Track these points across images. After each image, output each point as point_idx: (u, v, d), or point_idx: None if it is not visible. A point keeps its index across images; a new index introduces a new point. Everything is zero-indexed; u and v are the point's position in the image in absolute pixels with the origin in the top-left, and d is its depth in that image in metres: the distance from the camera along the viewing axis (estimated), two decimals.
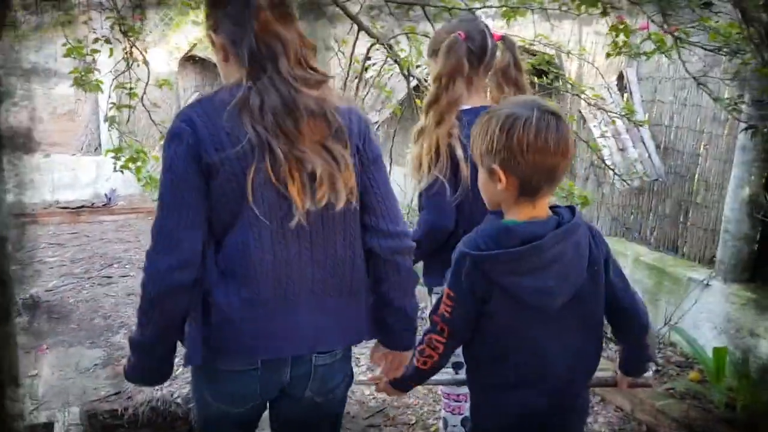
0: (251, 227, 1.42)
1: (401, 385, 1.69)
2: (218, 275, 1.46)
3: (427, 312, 2.14)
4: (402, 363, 1.65)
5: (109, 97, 3.46)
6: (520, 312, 1.42)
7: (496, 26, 3.59)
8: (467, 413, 2.18)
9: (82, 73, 3.36)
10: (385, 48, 3.36)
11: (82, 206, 7.03)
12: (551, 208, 1.46)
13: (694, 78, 2.59)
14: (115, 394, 3.36)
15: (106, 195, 7.20)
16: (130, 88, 3.41)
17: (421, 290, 1.90)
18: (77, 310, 4.58)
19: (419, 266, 2.10)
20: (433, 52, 2.14)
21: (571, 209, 1.46)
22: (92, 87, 3.48)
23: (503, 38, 2.15)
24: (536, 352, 1.46)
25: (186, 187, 1.40)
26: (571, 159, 1.44)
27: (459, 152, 1.99)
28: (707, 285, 3.44)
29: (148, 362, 1.59)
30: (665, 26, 2.64)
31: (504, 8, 3.22)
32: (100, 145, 7.82)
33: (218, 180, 1.40)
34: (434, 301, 1.71)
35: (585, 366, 1.55)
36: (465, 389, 2.15)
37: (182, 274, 1.40)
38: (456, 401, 2.34)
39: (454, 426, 2.37)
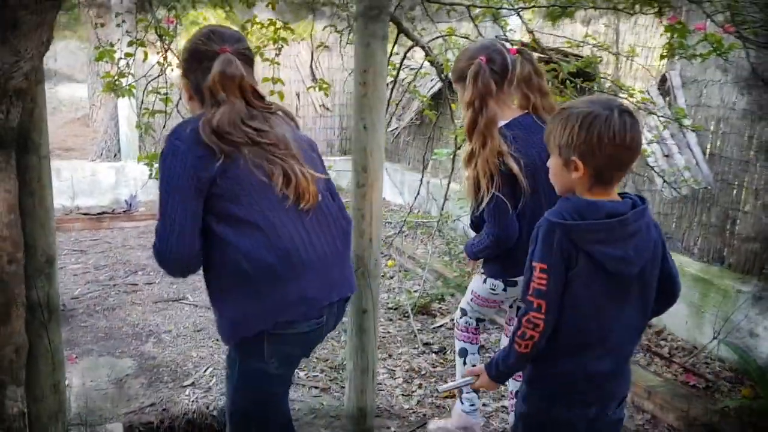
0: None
1: (503, 376, 1.79)
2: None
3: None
4: None
5: (141, 102, 3.39)
6: (595, 280, 1.60)
7: (541, 26, 3.51)
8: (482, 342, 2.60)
9: (116, 78, 3.30)
10: (426, 51, 3.28)
11: (103, 212, 6.97)
12: (619, 194, 1.66)
13: (764, 81, 2.49)
14: (150, 405, 3.29)
15: (126, 201, 7.14)
16: (165, 94, 3.34)
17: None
18: (104, 319, 4.50)
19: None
20: (459, 78, 2.28)
21: (639, 197, 1.66)
22: (124, 92, 3.41)
23: (520, 51, 2.32)
24: (601, 318, 1.64)
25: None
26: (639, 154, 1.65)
27: (514, 166, 2.17)
28: (759, 298, 3.33)
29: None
30: (723, 26, 2.55)
31: (552, 7, 3.14)
32: (119, 150, 7.76)
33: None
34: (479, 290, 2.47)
35: (635, 336, 1.74)
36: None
37: None
38: (474, 333, 2.69)
39: (473, 354, 2.69)
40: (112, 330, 4.30)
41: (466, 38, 3.20)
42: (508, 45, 2.45)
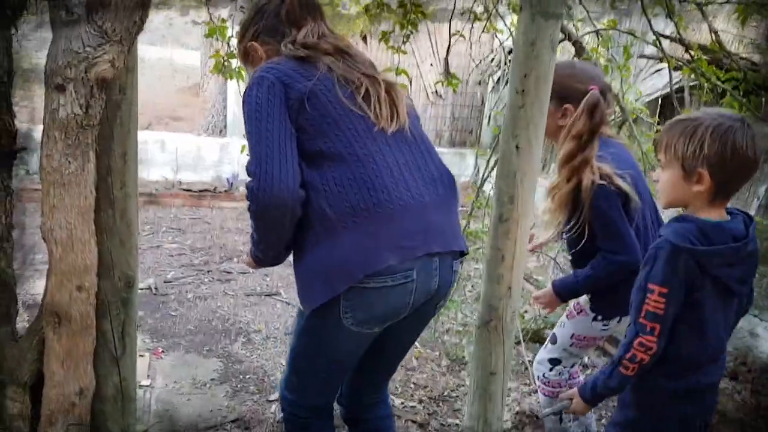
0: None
1: (599, 399, 1.78)
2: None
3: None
4: None
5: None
6: (717, 300, 1.63)
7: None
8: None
9: (224, 58, 2.98)
10: (578, 47, 2.77)
11: (205, 190, 6.84)
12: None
13: None
14: (233, 421, 3.00)
15: (228, 180, 6.99)
16: None
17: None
18: (195, 308, 4.29)
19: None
20: (564, 98, 2.11)
21: (745, 213, 1.68)
22: (233, 74, 3.09)
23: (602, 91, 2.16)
24: (718, 336, 1.68)
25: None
26: None
27: (623, 185, 2.05)
28: None
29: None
30: None
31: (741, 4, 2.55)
32: (225, 126, 7.63)
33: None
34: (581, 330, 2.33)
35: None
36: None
37: None
38: (565, 383, 2.45)
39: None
40: (201, 323, 4.07)
41: (631, 34, 2.65)
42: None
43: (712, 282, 1.60)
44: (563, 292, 2.28)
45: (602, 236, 2.10)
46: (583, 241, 2.10)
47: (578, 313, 2.35)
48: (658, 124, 3.99)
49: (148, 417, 2.98)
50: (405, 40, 3.03)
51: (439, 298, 1.74)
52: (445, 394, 3.38)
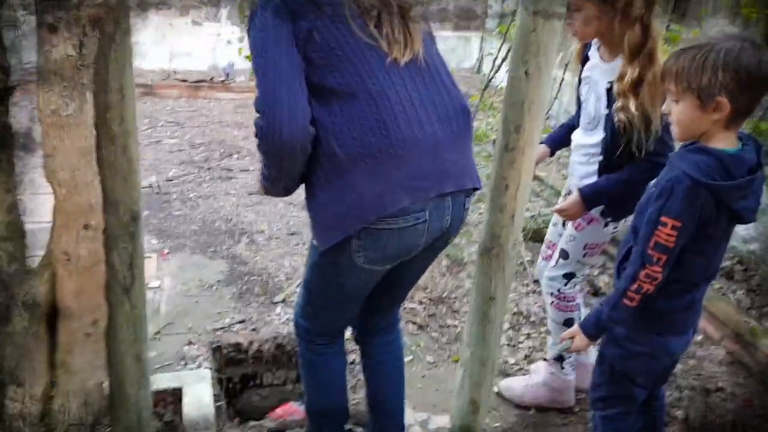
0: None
1: (602, 332, 1.83)
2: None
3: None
4: None
5: None
6: (727, 229, 1.67)
7: None
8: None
9: None
10: None
11: (201, 80, 6.69)
12: None
13: None
14: (240, 322, 3.12)
15: (224, 69, 6.81)
16: None
17: None
18: (198, 208, 4.33)
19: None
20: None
21: (751, 136, 1.65)
22: None
23: None
24: (719, 257, 1.73)
25: None
26: None
27: None
28: None
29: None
30: None
31: None
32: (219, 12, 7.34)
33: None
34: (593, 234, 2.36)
35: None
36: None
37: None
38: (578, 295, 2.53)
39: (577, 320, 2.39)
40: (205, 223, 4.13)
41: None
42: None
43: (726, 212, 1.60)
44: (594, 199, 2.24)
45: (657, 138, 2.05)
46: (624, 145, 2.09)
47: (588, 223, 2.36)
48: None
49: (159, 318, 3.10)
50: None
51: (450, 234, 1.73)
52: (445, 295, 3.49)
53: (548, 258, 2.64)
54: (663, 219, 1.59)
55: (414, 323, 3.22)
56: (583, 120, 2.33)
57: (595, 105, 2.24)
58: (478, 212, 4.01)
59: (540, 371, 2.68)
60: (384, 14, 1.56)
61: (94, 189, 1.47)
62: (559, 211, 2.35)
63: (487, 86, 3.70)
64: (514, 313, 3.36)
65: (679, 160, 1.64)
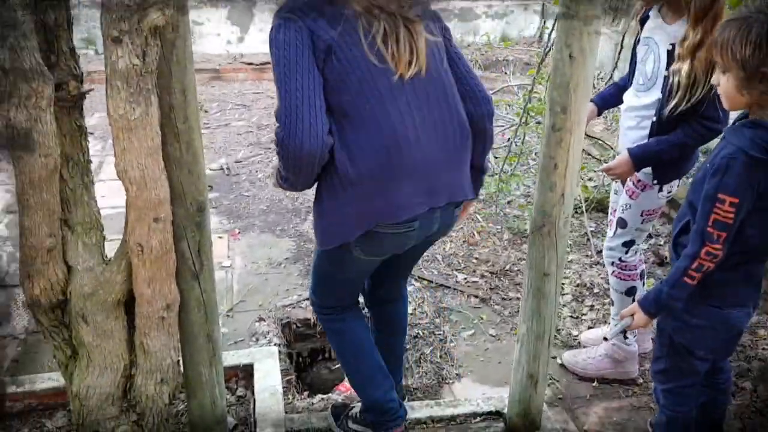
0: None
1: (663, 310, 1.82)
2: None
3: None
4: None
5: None
6: None
7: None
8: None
9: None
10: None
11: (266, 62, 6.83)
12: None
13: None
14: (307, 299, 3.25)
15: None
16: None
17: None
18: (266, 188, 4.49)
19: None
20: None
21: None
22: None
23: None
24: None
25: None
26: None
27: None
28: None
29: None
30: None
31: None
32: None
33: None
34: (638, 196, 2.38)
35: None
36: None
37: None
38: (639, 263, 2.56)
39: (640, 290, 2.53)
40: (273, 203, 4.28)
41: None
42: None
43: None
44: (643, 159, 2.26)
45: (710, 102, 2.07)
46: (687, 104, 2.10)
47: (642, 190, 2.37)
48: None
49: (232, 296, 3.28)
50: None
51: (438, 236, 1.95)
52: (507, 268, 3.52)
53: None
54: (720, 196, 1.60)
55: (476, 296, 3.28)
56: (637, 81, 2.32)
57: (653, 66, 2.24)
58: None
59: (599, 344, 2.70)
60: (389, 28, 1.62)
61: (162, 184, 1.59)
62: (607, 170, 2.37)
63: (543, 60, 3.66)
64: (577, 285, 3.37)
65: (733, 135, 1.65)
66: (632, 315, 1.87)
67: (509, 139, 4.28)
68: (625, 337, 2.59)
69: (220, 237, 3.83)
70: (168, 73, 1.58)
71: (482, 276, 3.47)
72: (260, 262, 3.59)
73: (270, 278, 3.44)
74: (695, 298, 1.78)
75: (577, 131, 1.78)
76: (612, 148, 4.63)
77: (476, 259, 3.63)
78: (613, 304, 2.66)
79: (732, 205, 1.59)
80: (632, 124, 2.34)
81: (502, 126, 5.00)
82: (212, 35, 7.16)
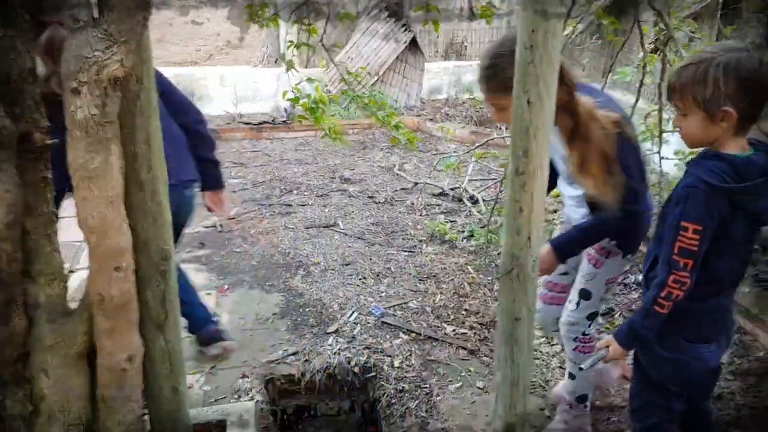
0: None
1: (638, 341, 1.84)
2: None
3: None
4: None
5: (287, 33, 3.07)
6: (746, 230, 1.70)
7: None
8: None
9: (257, 7, 2.99)
10: None
11: (264, 122, 6.98)
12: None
13: None
14: (293, 354, 3.21)
15: (285, 110, 7.09)
16: (308, 24, 2.99)
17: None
18: (258, 244, 4.50)
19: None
20: (505, 88, 1.86)
21: (760, 141, 1.71)
22: (268, 22, 3.11)
23: None
24: (743, 261, 1.77)
25: None
26: None
27: (632, 132, 2.07)
28: None
29: None
30: None
31: None
32: (279, 56, 7.67)
33: None
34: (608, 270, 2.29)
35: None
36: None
37: None
38: (592, 341, 2.43)
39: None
40: (264, 258, 4.28)
41: None
42: None
43: (743, 216, 1.66)
44: (566, 249, 2.21)
45: (626, 189, 2.02)
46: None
47: (607, 257, 2.30)
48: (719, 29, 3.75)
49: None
50: None
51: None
52: (497, 319, 3.47)
53: (551, 300, 2.57)
54: (684, 224, 1.65)
55: (465, 348, 3.23)
56: (562, 175, 2.32)
57: (564, 166, 2.23)
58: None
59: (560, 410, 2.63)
60: None
61: (123, 233, 1.60)
62: None
63: None
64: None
65: (693, 167, 1.70)
66: (608, 347, 1.88)
67: (502, 191, 4.30)
68: (585, 406, 2.55)
69: (208, 293, 3.82)
70: (132, 124, 1.61)
71: (471, 328, 3.43)
72: (247, 318, 3.56)
73: (256, 334, 3.40)
74: (667, 331, 1.80)
75: (540, 174, 1.78)
76: None
77: (466, 310, 3.59)
78: (572, 378, 2.56)
79: (696, 232, 1.64)
80: (575, 205, 2.32)
81: (494, 179, 5.04)
82: (212, 35, 7.32)
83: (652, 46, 3.51)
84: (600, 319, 2.49)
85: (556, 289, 2.59)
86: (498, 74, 1.99)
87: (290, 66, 2.99)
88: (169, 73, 7.59)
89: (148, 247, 1.71)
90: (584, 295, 2.37)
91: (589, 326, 2.41)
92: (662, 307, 1.72)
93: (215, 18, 7.52)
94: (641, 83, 3.22)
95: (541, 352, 3.19)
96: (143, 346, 1.76)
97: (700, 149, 1.77)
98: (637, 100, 3.44)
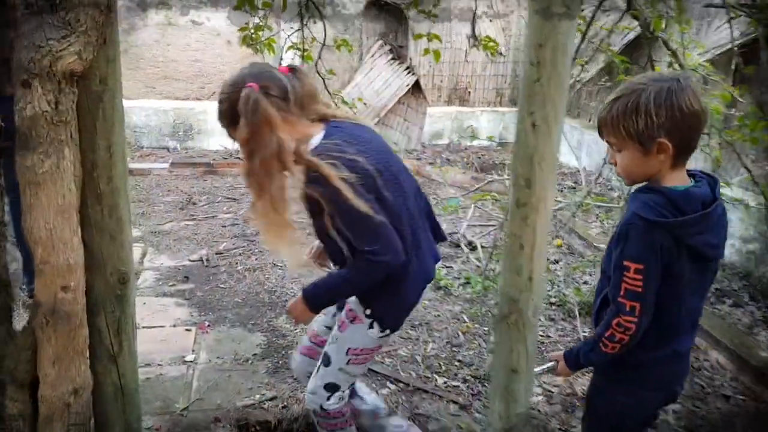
0: None
1: (581, 368, 1.80)
2: None
3: None
4: None
5: (281, 60, 2.96)
6: (693, 268, 1.58)
7: None
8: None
9: (252, 32, 2.88)
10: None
11: None
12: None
13: None
14: (271, 399, 2.98)
15: None
16: (303, 50, 2.87)
17: None
18: (244, 281, 4.30)
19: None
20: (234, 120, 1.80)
21: (708, 174, 1.63)
22: (263, 46, 2.99)
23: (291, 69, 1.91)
24: (694, 303, 1.66)
25: None
26: None
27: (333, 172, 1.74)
28: None
29: None
30: None
31: None
32: None
33: None
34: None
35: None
36: None
37: None
38: (348, 408, 2.21)
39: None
40: (249, 295, 4.08)
41: None
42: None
43: (687, 251, 1.57)
44: (317, 297, 1.95)
45: (369, 236, 1.80)
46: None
47: (352, 322, 2.02)
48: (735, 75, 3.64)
49: (189, 393, 3.01)
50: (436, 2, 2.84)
51: None
52: (491, 371, 3.25)
53: (308, 352, 2.31)
54: (625, 263, 1.57)
55: (456, 403, 3.00)
56: None
57: None
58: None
59: None
60: None
61: (74, 248, 1.42)
62: (288, 311, 2.05)
63: None
64: (568, 394, 3.09)
65: (631, 202, 1.62)
66: (558, 360, 1.83)
67: (501, 237, 4.13)
68: None
69: (187, 329, 3.61)
70: (92, 127, 1.45)
71: (464, 380, 3.20)
72: (226, 357, 3.34)
73: (234, 375, 3.18)
74: (617, 376, 1.75)
75: (544, 207, 1.61)
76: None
77: (459, 361, 3.37)
78: None
79: (638, 272, 1.55)
80: None
81: (494, 225, 4.86)
82: (212, 35, 7.28)
83: None
84: (347, 398, 2.14)
85: (316, 341, 2.28)
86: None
87: None
88: (168, 106, 7.52)
89: (103, 267, 1.53)
90: (325, 359, 2.08)
91: (328, 399, 2.08)
92: (606, 347, 1.64)
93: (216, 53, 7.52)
94: None
95: (539, 410, 2.96)
96: (92, 378, 1.55)
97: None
98: None
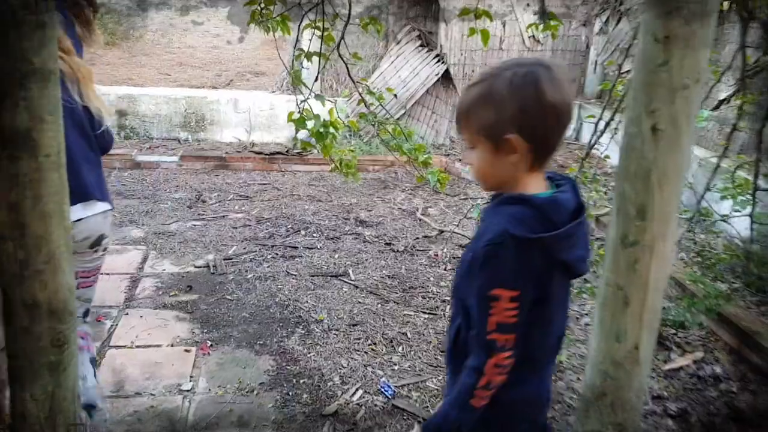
0: None
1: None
2: None
3: None
4: None
5: (297, 41, 2.48)
6: (563, 286, 1.38)
7: None
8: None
9: (261, 5, 2.40)
10: None
11: (277, 153, 6.38)
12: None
13: None
14: None
15: (302, 140, 6.51)
16: (324, 29, 2.39)
17: None
18: (254, 291, 3.84)
19: None
20: None
21: (564, 177, 1.39)
22: (274, 24, 2.51)
23: None
24: (561, 324, 1.43)
25: None
26: None
27: None
28: None
29: None
30: None
31: None
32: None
33: None
34: None
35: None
36: None
37: None
38: None
39: None
40: (258, 309, 3.62)
41: None
42: None
43: (561, 267, 1.31)
44: None
45: None
46: None
47: None
48: None
49: (184, 429, 2.57)
50: None
51: None
52: None
53: None
54: (495, 292, 1.26)
55: None
56: None
57: None
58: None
59: None
60: None
61: None
62: None
63: (588, 155, 3.06)
64: None
65: (492, 216, 1.32)
66: None
67: None
68: None
69: (186, 350, 3.16)
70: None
71: None
72: (228, 387, 2.89)
73: (236, 409, 2.73)
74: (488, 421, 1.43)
75: (662, 248, 1.12)
76: None
77: None
78: None
79: (513, 299, 1.26)
80: None
81: None
82: (211, 35, 6.89)
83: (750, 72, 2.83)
84: None
85: None
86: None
87: (297, 78, 2.37)
88: (179, 94, 7.10)
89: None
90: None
91: None
92: (482, 399, 1.33)
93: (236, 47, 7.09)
94: (734, 127, 2.56)
95: None
96: None
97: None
98: (718, 164, 2.79)
